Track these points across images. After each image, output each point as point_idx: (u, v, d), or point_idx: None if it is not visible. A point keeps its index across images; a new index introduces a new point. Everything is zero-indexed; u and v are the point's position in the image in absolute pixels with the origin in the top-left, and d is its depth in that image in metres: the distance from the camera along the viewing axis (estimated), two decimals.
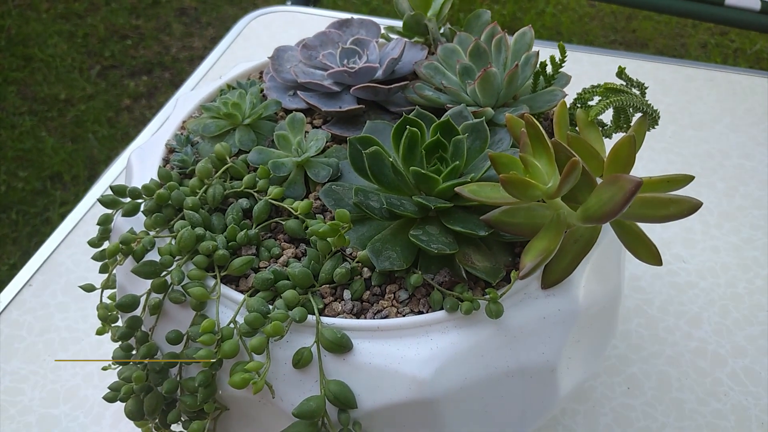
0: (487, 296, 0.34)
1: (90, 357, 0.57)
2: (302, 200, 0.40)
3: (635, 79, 0.40)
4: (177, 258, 0.36)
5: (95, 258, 0.44)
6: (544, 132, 0.30)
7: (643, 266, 0.64)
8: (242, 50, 0.93)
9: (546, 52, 0.83)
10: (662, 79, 0.87)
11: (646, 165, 0.75)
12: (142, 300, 0.37)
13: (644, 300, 0.61)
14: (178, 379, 0.36)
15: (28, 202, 1.61)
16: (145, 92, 1.91)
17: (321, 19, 0.97)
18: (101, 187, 0.71)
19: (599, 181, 0.37)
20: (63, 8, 2.19)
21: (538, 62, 0.44)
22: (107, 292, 0.46)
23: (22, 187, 1.64)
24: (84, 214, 0.68)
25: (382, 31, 0.52)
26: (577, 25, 2.20)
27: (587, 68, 0.88)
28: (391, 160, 0.36)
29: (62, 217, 1.60)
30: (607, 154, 0.38)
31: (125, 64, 2.00)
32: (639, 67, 0.89)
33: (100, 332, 0.45)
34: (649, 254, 0.35)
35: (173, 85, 1.92)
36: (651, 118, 0.36)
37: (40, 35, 2.09)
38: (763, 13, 1.12)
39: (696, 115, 0.82)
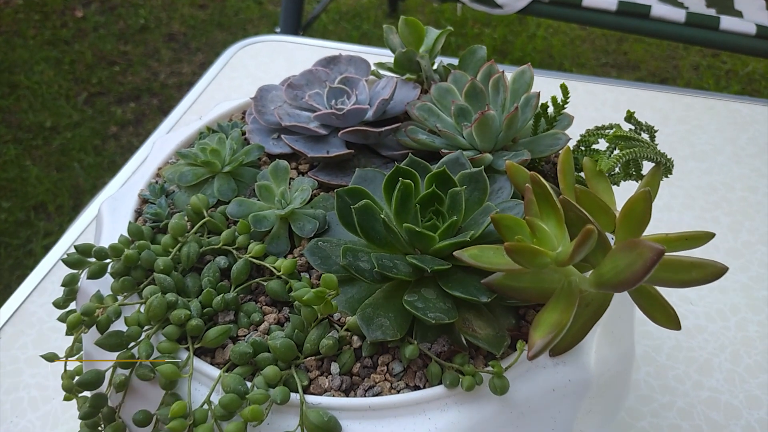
0: (491, 369, 0.31)
1: (61, 418, 0.53)
2: (285, 257, 0.37)
3: (644, 123, 0.38)
4: (146, 328, 0.33)
5: (61, 319, 0.41)
6: (551, 191, 0.27)
7: None
8: (229, 80, 0.90)
9: (539, 80, 0.81)
10: (660, 108, 0.85)
11: None
12: (109, 373, 0.33)
13: (652, 346, 0.58)
14: None
15: (11, 234, 1.57)
16: (132, 119, 1.88)
17: (309, 49, 0.94)
18: (76, 230, 0.67)
19: (610, 237, 0.34)
20: (50, 34, 2.16)
21: (539, 103, 0.41)
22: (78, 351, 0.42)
23: (5, 218, 1.59)
24: (57, 260, 0.64)
25: (372, 67, 0.49)
26: (569, 48, 2.19)
27: (583, 97, 0.86)
28: (383, 216, 0.32)
29: (46, 249, 1.55)
30: (617, 206, 0.35)
31: (113, 90, 1.97)
32: (636, 96, 0.86)
33: (67, 399, 0.41)
34: (668, 318, 0.32)
35: (161, 111, 1.90)
36: (665, 168, 0.34)
37: (26, 62, 2.06)
38: (759, 38, 1.11)
39: (697, 145, 0.79)
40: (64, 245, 0.67)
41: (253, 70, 0.91)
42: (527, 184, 0.29)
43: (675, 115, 0.84)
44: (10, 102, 1.91)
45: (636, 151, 0.32)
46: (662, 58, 2.17)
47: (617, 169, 0.37)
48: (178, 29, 2.19)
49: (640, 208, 0.30)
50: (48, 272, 0.65)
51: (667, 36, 1.16)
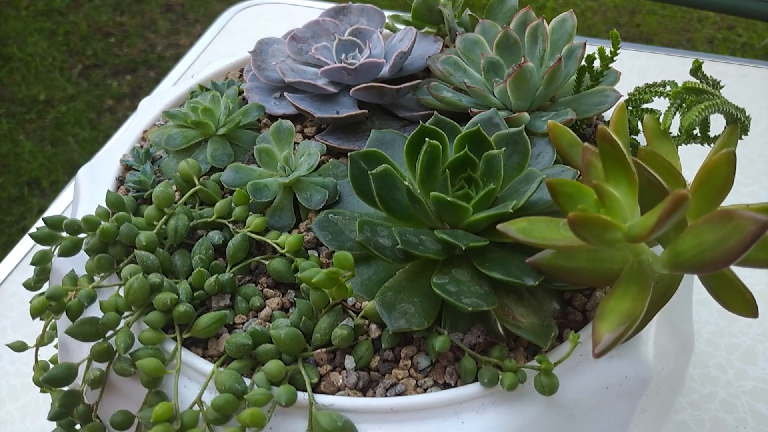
0: (537, 364, 0.26)
1: (43, 408, 0.48)
2: (290, 232, 0.32)
3: (710, 77, 0.32)
4: (126, 314, 0.28)
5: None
6: (625, 150, 0.22)
7: None
8: (226, 46, 0.84)
9: None
10: (689, 76, 0.79)
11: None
12: (83, 367, 0.28)
13: None
14: None
15: (4, 210, 1.52)
16: (128, 92, 1.82)
17: (314, 12, 0.88)
18: (62, 202, 0.62)
19: None
20: (44, 5, 2.09)
21: (585, 55, 0.35)
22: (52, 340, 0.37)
23: None
24: None
25: (387, 20, 0.44)
26: (579, 20, 2.11)
27: None
28: (406, 183, 0.27)
29: None
30: (682, 169, 0.30)
31: (108, 62, 1.90)
32: (665, 63, 0.80)
33: (45, 391, 0.36)
34: (744, 304, 0.27)
35: (158, 84, 1.83)
36: (742, 126, 0.28)
37: (19, 33, 1.99)
38: None
39: None
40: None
41: (252, 35, 0.85)
42: (585, 144, 0.24)
43: None
44: (3, 74, 1.85)
45: (719, 103, 0.27)
46: (676, 31, 2.10)
47: (678, 131, 0.32)
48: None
49: (722, 173, 0.24)
50: (31, 248, 0.60)
51: (691, 2, 1.09)
